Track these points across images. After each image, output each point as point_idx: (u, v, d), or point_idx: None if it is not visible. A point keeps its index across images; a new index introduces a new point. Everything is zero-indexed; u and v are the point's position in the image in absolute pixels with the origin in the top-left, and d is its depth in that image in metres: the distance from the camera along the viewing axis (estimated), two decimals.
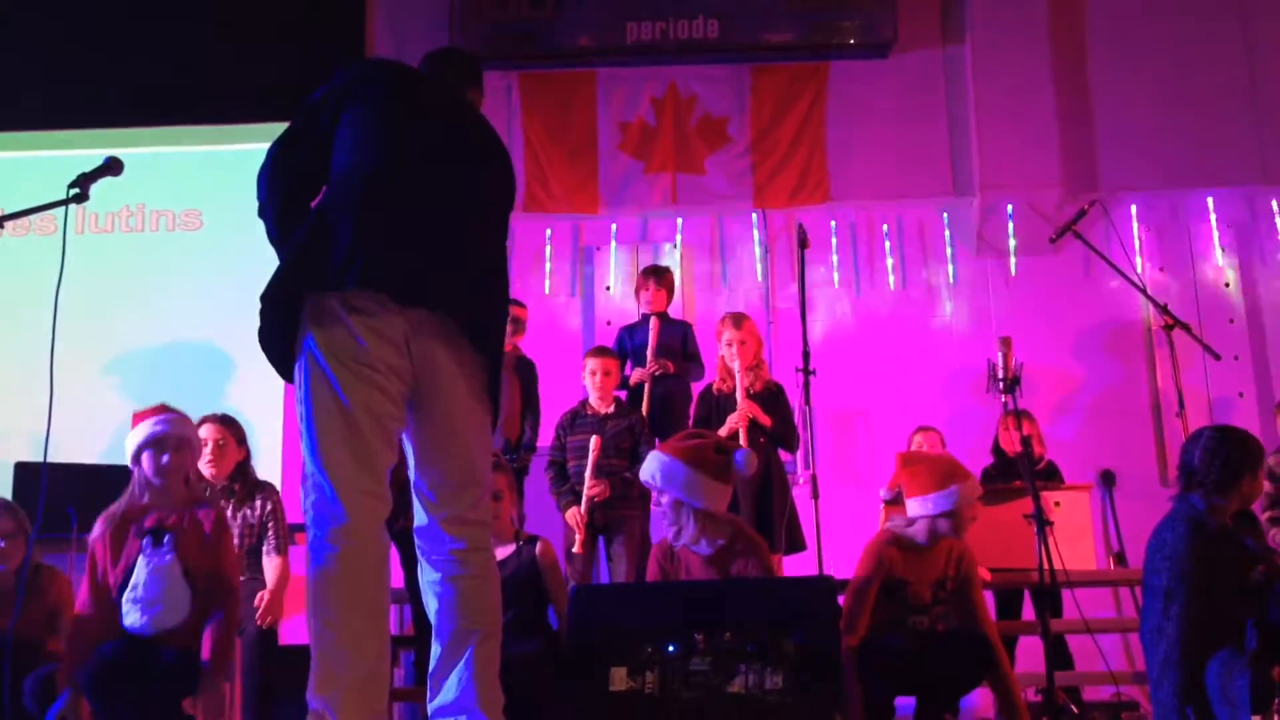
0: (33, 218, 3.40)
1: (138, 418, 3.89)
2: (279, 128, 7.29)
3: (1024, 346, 6.40)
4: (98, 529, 3.78)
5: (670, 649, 2.62)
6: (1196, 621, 3.24)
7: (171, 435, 3.81)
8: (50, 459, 5.08)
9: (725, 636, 2.62)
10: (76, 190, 3.24)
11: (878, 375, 6.83)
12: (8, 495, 4.92)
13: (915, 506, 3.92)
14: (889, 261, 7.07)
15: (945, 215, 7.09)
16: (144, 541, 3.69)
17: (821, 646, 2.65)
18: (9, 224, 3.33)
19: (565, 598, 4.09)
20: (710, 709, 2.56)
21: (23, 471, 5.07)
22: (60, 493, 3.86)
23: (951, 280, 7.04)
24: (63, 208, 3.26)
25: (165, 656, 3.54)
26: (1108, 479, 6.35)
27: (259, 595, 4.39)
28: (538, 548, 4.17)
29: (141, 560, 3.66)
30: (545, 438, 5.62)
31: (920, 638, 3.76)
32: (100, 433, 6.09)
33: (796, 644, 2.62)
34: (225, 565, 3.76)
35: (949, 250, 7.07)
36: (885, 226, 7.14)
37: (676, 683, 2.60)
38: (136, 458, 3.82)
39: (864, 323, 7.01)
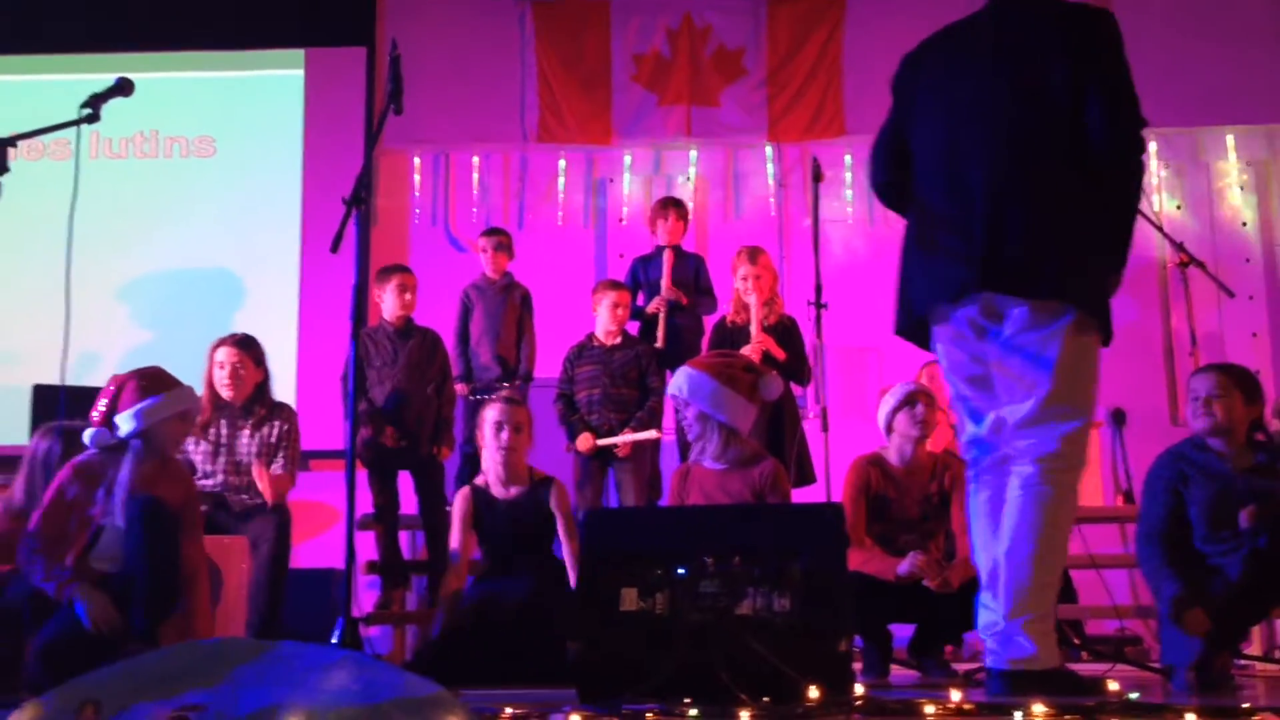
0: (47, 142, 3.41)
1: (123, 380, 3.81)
2: (293, 54, 7.24)
3: None
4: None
5: (680, 571, 2.65)
6: (1150, 531, 3.54)
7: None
8: (67, 382, 5.16)
9: (734, 560, 2.65)
10: (89, 110, 3.25)
11: (890, 310, 6.80)
12: (27, 416, 4.99)
13: (879, 417, 4.13)
14: None
15: None
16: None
17: (828, 572, 2.67)
18: (23, 146, 3.32)
19: (576, 540, 4.11)
20: (719, 630, 2.59)
21: (41, 393, 5.12)
22: (79, 415, 3.87)
23: None
24: (75, 128, 3.27)
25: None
26: (1118, 417, 6.36)
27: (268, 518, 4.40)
28: (552, 492, 4.20)
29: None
30: (541, 368, 5.65)
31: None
32: (116, 356, 6.15)
33: (803, 569, 2.64)
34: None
35: None
36: None
37: (686, 604, 2.63)
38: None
39: (877, 257, 6.96)
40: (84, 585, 3.38)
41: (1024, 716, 2.33)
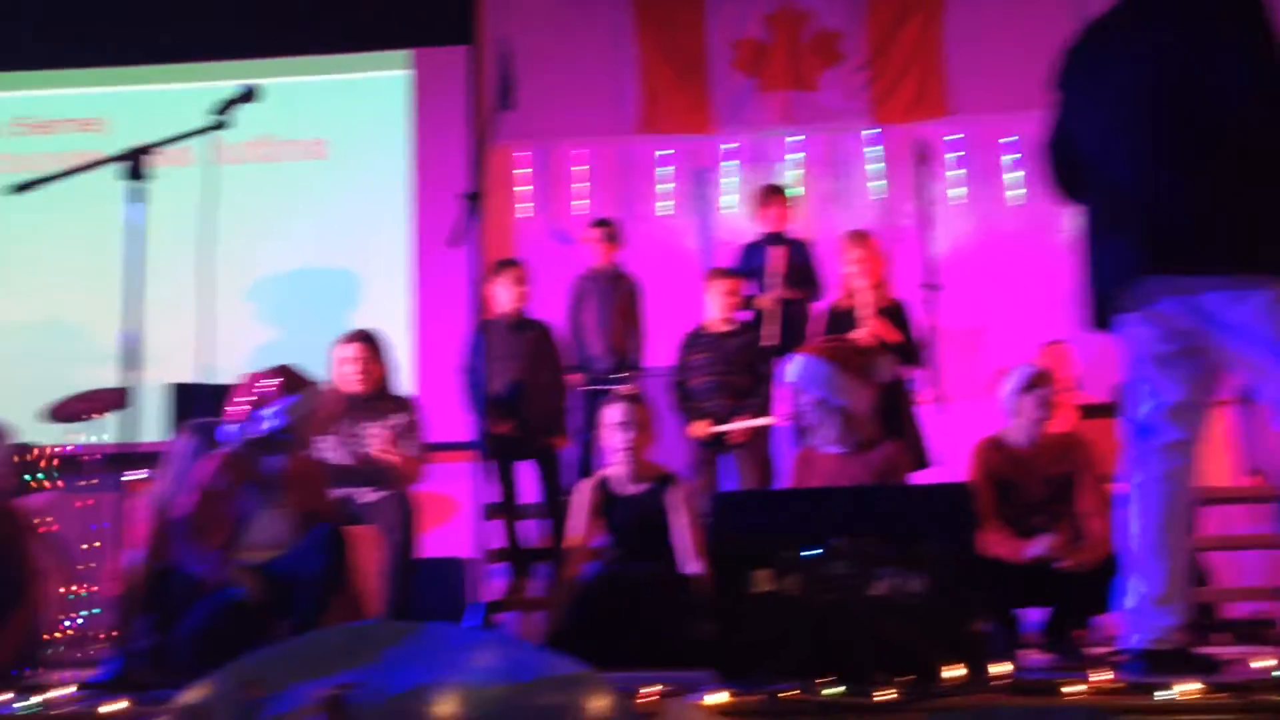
0: (170, 150, 3.55)
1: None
2: (399, 55, 7.32)
3: None
4: None
5: (811, 553, 2.67)
6: None
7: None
8: (197, 380, 5.36)
9: (865, 541, 2.66)
10: (219, 117, 3.37)
11: (1001, 291, 6.72)
12: (164, 415, 5.19)
13: (1002, 399, 4.06)
14: (1011, 174, 6.92)
15: None
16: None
17: (960, 552, 2.68)
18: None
19: (696, 538, 4.10)
20: (851, 611, 2.61)
21: (177, 392, 5.33)
22: (215, 412, 4.00)
23: None
24: (204, 135, 3.40)
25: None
26: (1250, 395, 6.16)
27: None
28: (674, 491, 4.17)
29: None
30: (650, 357, 5.69)
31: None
32: (241, 355, 6.36)
33: (935, 549, 2.65)
34: None
35: None
36: (1008, 138, 6.97)
37: (817, 585, 2.65)
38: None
39: (986, 238, 6.88)
40: (236, 569, 3.52)
41: (1168, 696, 2.31)
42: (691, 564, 4.05)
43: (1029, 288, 6.71)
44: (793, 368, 3.88)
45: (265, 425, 3.69)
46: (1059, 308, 6.65)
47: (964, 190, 6.94)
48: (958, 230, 6.90)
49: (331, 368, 4.74)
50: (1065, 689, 2.41)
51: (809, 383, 3.81)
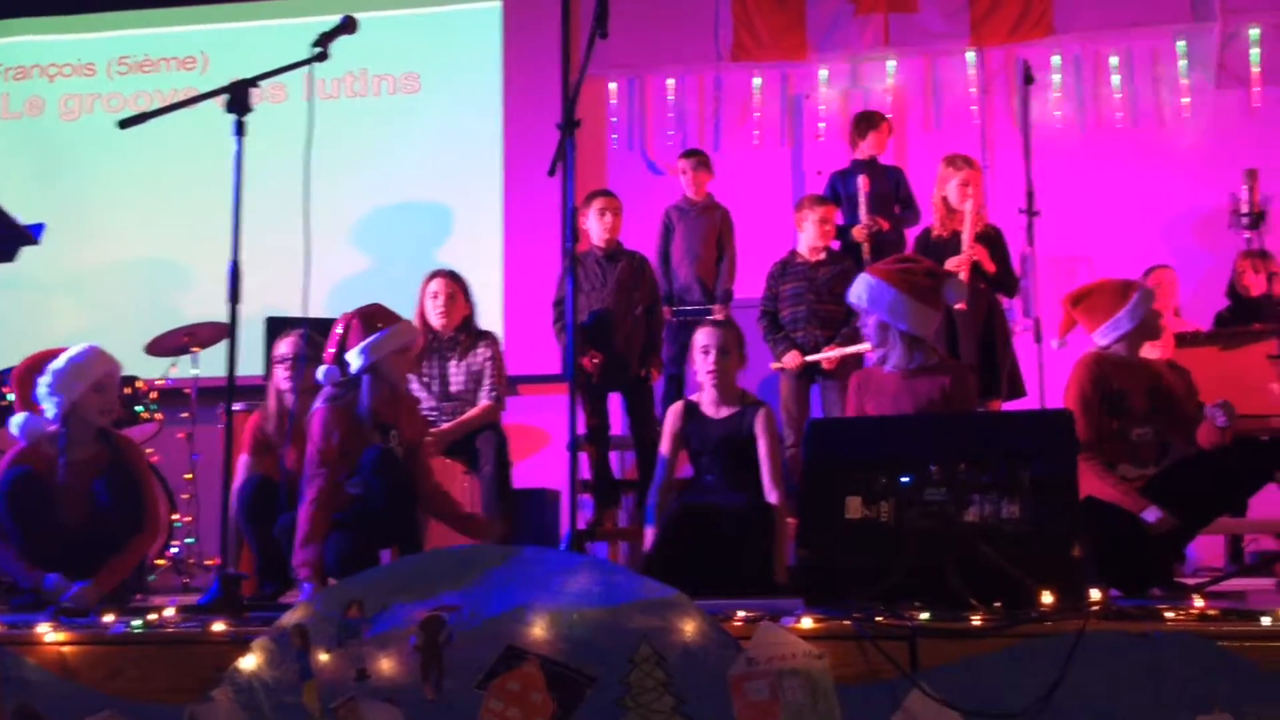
0: (266, 86, 3.60)
1: None
2: None
3: (1269, 182, 5.99)
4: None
5: (905, 479, 2.65)
6: None
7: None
8: (289, 314, 5.45)
9: (960, 467, 2.63)
10: (319, 49, 3.40)
11: (1103, 216, 6.54)
12: (262, 348, 5.30)
13: (1105, 334, 3.74)
14: (1117, 96, 6.69)
15: (1181, 43, 6.62)
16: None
17: (1059, 478, 2.63)
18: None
19: (775, 465, 4.11)
20: (945, 537, 2.59)
21: (274, 325, 5.42)
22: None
23: (1187, 113, 6.62)
24: (305, 68, 3.44)
25: None
26: None
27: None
28: (759, 415, 4.15)
29: None
30: (737, 288, 5.65)
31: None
32: (328, 289, 6.46)
33: (1033, 476, 2.61)
34: None
35: (1185, 81, 6.62)
36: (1114, 59, 6.73)
37: (912, 512, 2.63)
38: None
39: (1089, 161, 6.68)
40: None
41: (1273, 621, 2.26)
42: (771, 492, 4.04)
43: (1132, 213, 6.52)
44: (857, 287, 3.78)
45: (350, 367, 3.76)
46: (1162, 234, 6.47)
47: (1065, 113, 6.73)
48: (1059, 154, 6.71)
49: (418, 303, 4.85)
50: (1167, 614, 2.37)
51: (873, 305, 3.72)
